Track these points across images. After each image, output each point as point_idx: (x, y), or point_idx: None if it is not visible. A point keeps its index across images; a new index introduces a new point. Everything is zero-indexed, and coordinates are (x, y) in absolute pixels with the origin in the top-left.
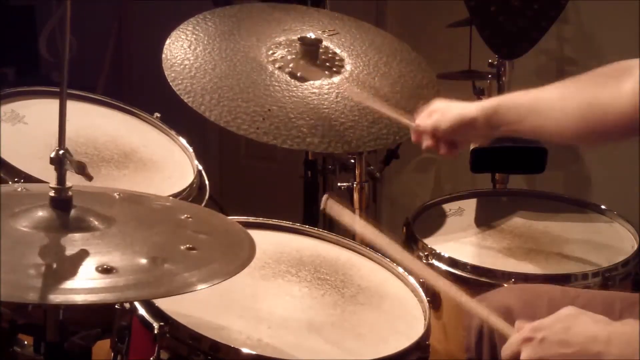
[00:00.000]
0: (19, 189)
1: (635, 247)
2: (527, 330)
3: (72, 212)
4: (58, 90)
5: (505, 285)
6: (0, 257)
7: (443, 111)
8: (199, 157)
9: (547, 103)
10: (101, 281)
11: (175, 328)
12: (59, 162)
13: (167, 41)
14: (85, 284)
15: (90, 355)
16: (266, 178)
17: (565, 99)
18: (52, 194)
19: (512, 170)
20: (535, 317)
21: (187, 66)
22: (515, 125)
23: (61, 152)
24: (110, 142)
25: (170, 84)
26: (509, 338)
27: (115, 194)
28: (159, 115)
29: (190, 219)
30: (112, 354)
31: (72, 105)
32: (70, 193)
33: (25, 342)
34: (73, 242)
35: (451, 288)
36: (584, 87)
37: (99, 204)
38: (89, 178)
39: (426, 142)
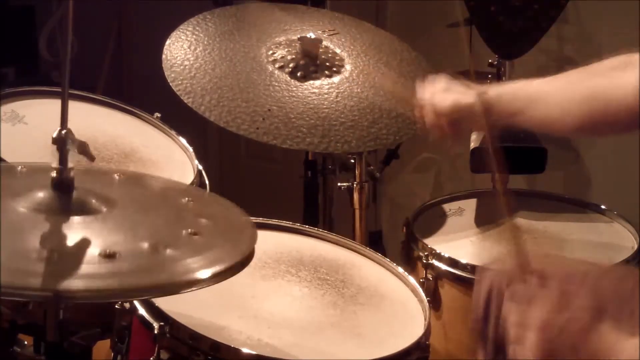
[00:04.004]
0: (19, 168)
1: (635, 247)
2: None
3: (74, 194)
4: (58, 90)
5: None
6: (0, 242)
7: (443, 91)
8: (199, 157)
9: (550, 93)
10: (103, 266)
11: (175, 328)
12: (62, 142)
13: (167, 42)
14: (87, 269)
15: (90, 355)
16: (266, 178)
17: (567, 89)
18: (53, 174)
19: (512, 170)
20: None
21: (187, 67)
22: (516, 117)
23: (63, 131)
24: (110, 142)
25: (170, 84)
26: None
27: (116, 175)
28: (159, 115)
29: (191, 202)
30: (112, 354)
31: (72, 105)
32: (72, 174)
33: (25, 342)
34: (74, 226)
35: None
36: (586, 78)
37: (99, 185)
38: (92, 158)
39: (429, 117)
